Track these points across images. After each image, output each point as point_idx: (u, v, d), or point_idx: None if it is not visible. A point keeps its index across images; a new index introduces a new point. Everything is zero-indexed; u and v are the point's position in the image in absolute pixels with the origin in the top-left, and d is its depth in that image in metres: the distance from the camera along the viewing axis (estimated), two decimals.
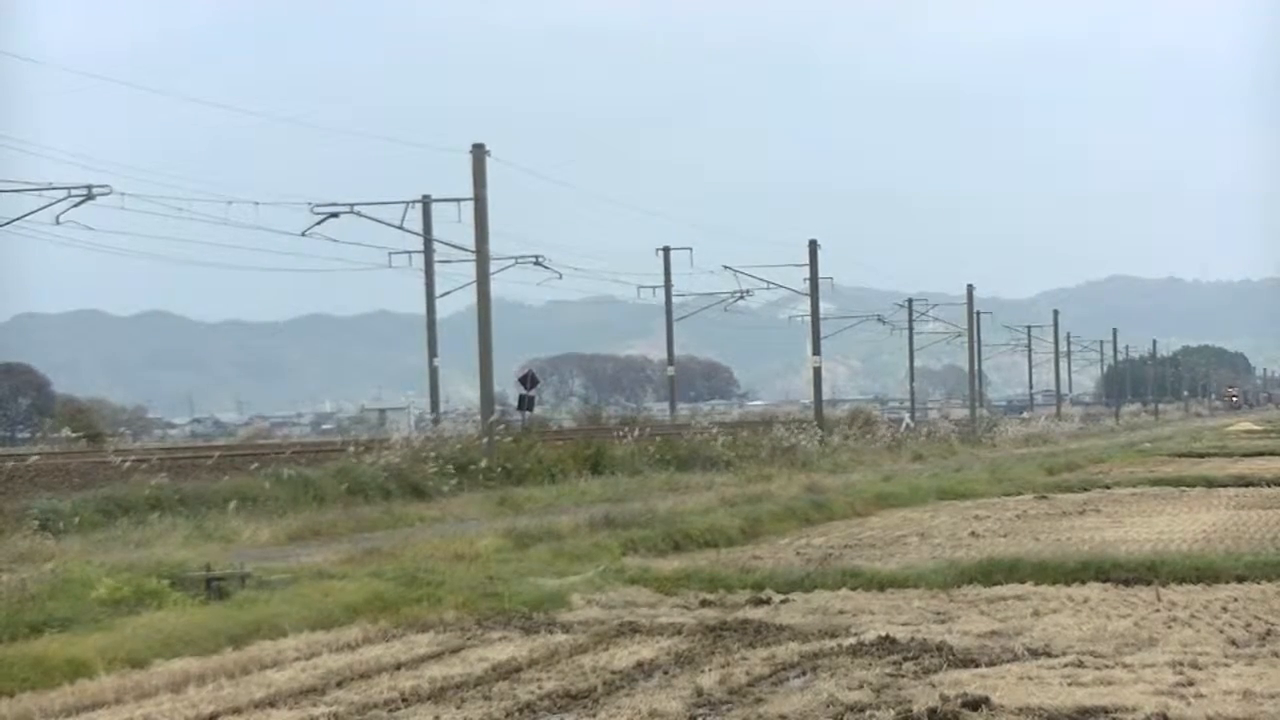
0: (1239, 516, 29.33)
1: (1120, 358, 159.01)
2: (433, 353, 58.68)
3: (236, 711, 12.57)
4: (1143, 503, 34.03)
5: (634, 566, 21.72)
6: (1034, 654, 14.29)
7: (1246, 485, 38.57)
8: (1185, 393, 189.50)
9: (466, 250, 43.09)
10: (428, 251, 55.61)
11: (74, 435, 49.98)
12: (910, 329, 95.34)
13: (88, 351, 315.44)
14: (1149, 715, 11.51)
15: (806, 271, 65.16)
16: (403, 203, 46.97)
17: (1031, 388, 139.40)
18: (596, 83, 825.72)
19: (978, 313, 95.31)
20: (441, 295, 57.92)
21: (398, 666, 14.44)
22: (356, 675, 14.01)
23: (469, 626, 17.01)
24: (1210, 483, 39.42)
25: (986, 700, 11.98)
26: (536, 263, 59.32)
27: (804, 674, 13.64)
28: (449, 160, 43.65)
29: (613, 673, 13.82)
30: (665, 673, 13.87)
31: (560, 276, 61.59)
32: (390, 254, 54.84)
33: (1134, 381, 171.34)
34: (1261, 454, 54.89)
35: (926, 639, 15.17)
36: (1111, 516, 30.36)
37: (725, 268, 71.82)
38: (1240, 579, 19.30)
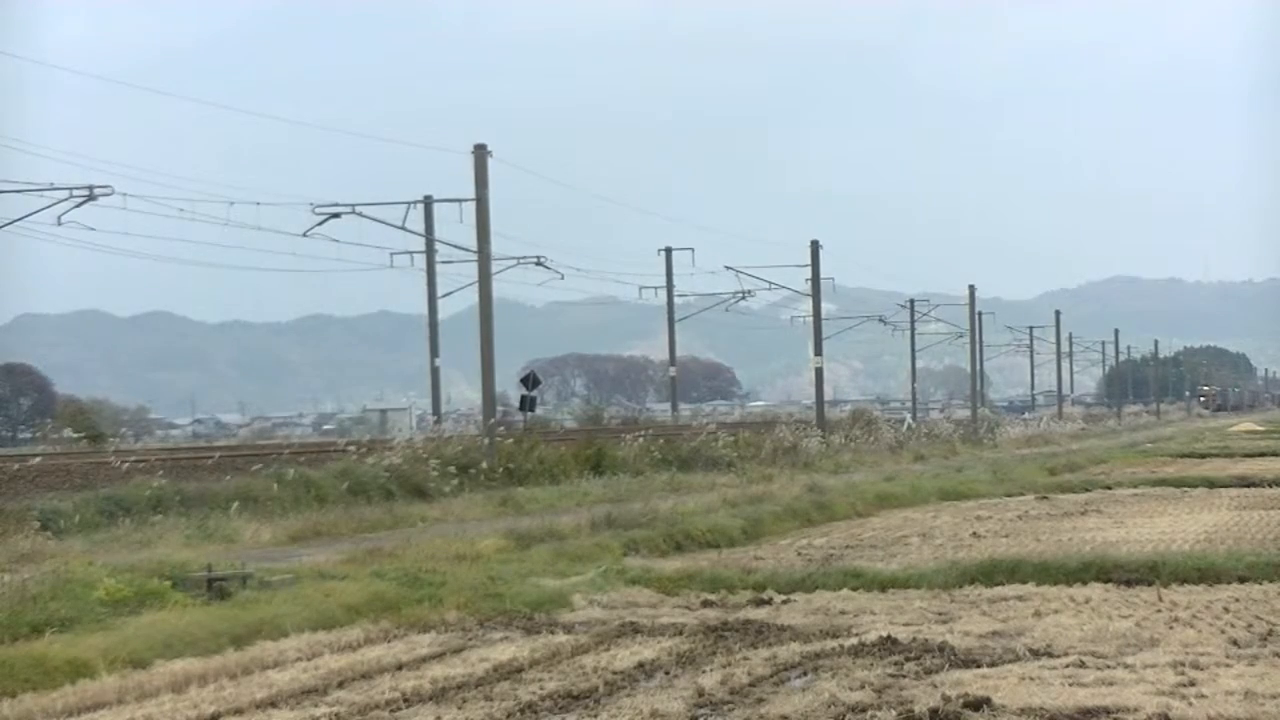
0: (1240, 517, 29.33)
1: (1122, 358, 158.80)
2: (434, 353, 58.66)
3: (238, 712, 12.57)
4: (1144, 503, 34.01)
5: (635, 567, 21.73)
6: (1035, 654, 14.29)
7: (1248, 486, 38.60)
8: (1187, 393, 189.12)
9: (468, 250, 43.08)
10: (429, 252, 55.59)
11: (75, 436, 50.05)
12: (912, 330, 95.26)
13: (89, 352, 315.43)
14: (1150, 715, 11.51)
15: (808, 272, 65.13)
16: (404, 203, 46.90)
17: (1033, 388, 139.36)
18: (599, 82, 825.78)
19: (979, 313, 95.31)
20: (443, 296, 57.90)
21: (399, 667, 14.44)
22: (358, 675, 14.02)
23: (470, 627, 17.01)
24: (1212, 483, 39.43)
25: (988, 700, 11.98)
26: (538, 263, 59.24)
27: (805, 674, 13.64)
28: (451, 160, 43.67)
29: (614, 673, 13.82)
30: (667, 673, 13.88)
31: (562, 277, 61.50)
32: (392, 254, 54.76)
33: (1136, 382, 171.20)
34: (1263, 454, 54.87)
35: (928, 639, 15.17)
36: (1113, 517, 30.36)
37: (727, 268, 71.87)
38: (1242, 579, 19.32)
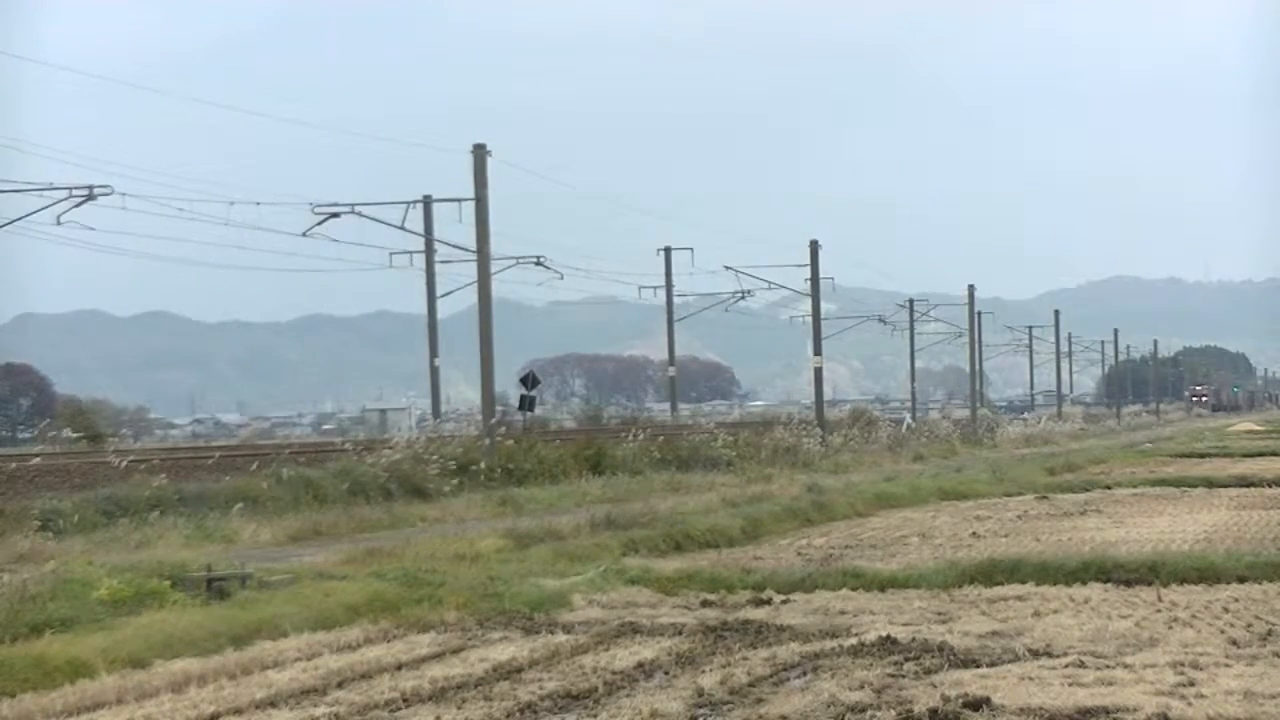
0: (1240, 517, 29.34)
1: (1121, 358, 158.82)
2: (434, 353, 58.67)
3: (237, 712, 12.57)
4: (1144, 503, 34.01)
5: (635, 567, 21.72)
6: (1035, 654, 14.29)
7: (1248, 486, 38.58)
8: (1186, 393, 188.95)
9: (467, 250, 43.10)
10: (429, 252, 55.62)
11: (75, 436, 49.92)
12: (911, 329, 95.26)
13: (88, 352, 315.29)
14: (1150, 715, 11.51)
15: (807, 272, 65.14)
16: (404, 203, 46.92)
17: (1033, 388, 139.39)
18: (599, 82, 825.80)
19: (979, 313, 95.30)
20: (443, 295, 57.94)
21: (399, 667, 14.44)
22: (357, 676, 14.01)
23: (470, 627, 17.01)
24: (1211, 483, 39.41)
25: (987, 700, 11.99)
26: (538, 263, 59.25)
27: (805, 674, 13.63)
28: (450, 160, 43.70)
29: (614, 673, 13.82)
30: (666, 673, 13.88)
31: (561, 277, 61.53)
32: (391, 254, 54.80)
33: (1135, 382, 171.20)
34: (1263, 454, 54.85)
35: (927, 639, 15.17)
36: (1112, 517, 30.36)
37: (726, 268, 71.84)
38: (1241, 579, 19.31)
